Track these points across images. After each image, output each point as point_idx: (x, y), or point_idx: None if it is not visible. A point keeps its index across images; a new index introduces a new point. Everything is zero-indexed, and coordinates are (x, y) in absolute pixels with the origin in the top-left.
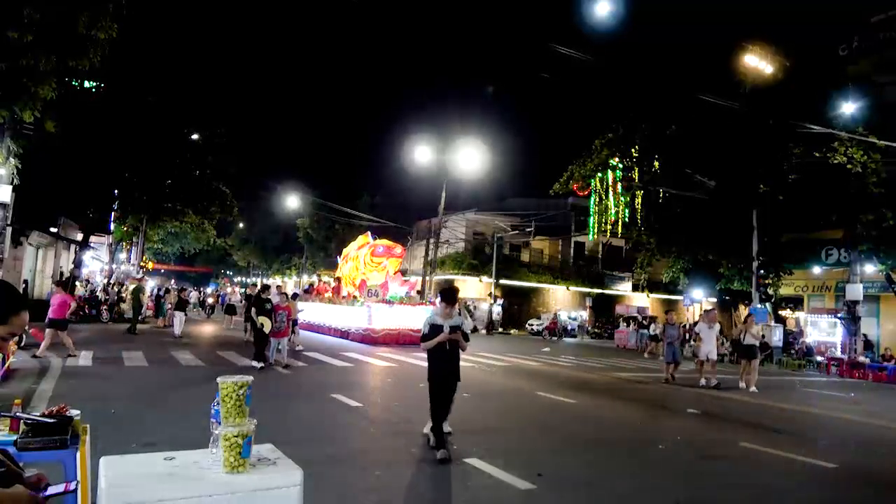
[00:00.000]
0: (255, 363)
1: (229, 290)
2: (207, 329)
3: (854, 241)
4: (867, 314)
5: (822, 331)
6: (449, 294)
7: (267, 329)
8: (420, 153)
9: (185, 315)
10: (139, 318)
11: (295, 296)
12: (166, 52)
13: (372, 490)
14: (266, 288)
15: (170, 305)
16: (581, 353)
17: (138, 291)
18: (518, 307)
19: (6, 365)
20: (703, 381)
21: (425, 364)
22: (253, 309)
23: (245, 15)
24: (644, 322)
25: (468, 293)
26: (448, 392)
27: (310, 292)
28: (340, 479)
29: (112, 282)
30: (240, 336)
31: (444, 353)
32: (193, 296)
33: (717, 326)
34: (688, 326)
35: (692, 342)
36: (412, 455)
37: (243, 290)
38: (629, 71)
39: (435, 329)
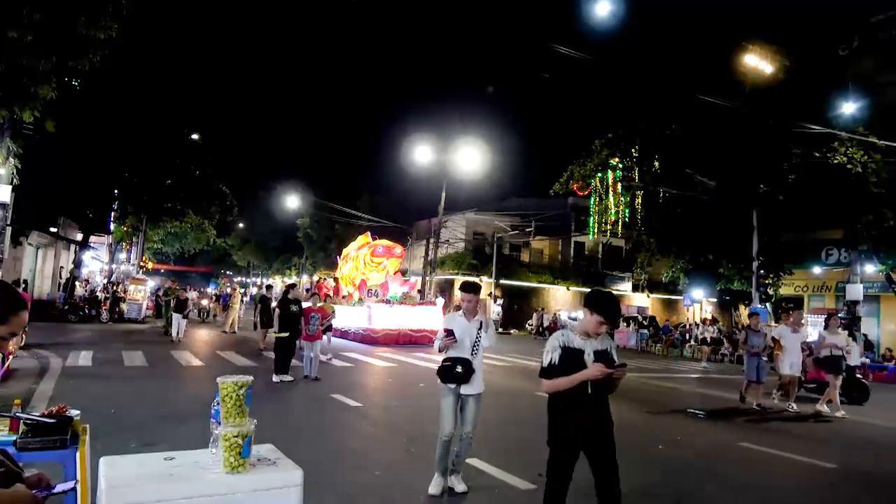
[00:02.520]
0: (277, 378)
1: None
2: (204, 332)
3: (854, 241)
4: (867, 314)
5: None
6: (606, 303)
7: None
8: (420, 153)
9: (184, 318)
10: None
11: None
12: (167, 51)
13: (372, 490)
14: (292, 286)
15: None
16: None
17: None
18: (518, 307)
19: (6, 365)
20: (792, 406)
21: (425, 364)
22: (276, 311)
23: (245, 14)
24: (644, 322)
25: None
26: (605, 467)
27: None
28: (340, 479)
29: (113, 281)
30: (236, 336)
31: (583, 398)
32: (194, 296)
33: (803, 331)
34: (687, 327)
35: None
36: (412, 455)
37: (242, 289)
38: (629, 71)
39: (570, 355)
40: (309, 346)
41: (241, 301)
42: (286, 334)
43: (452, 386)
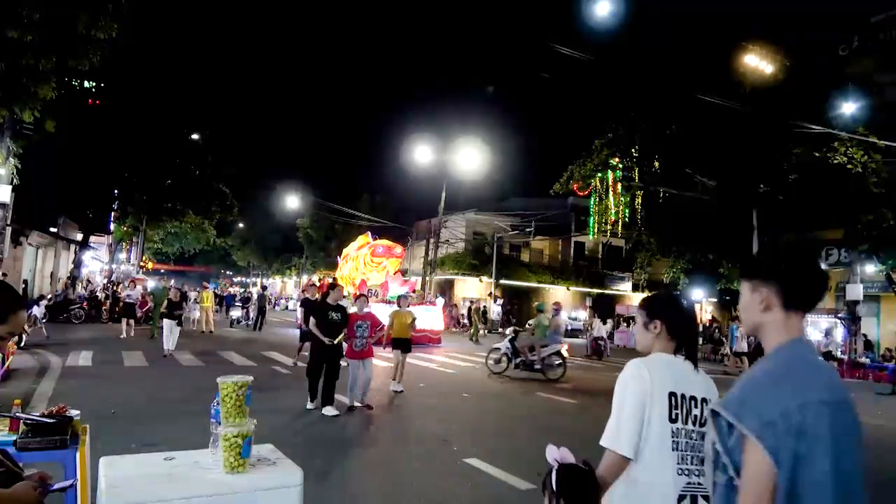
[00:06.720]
0: (312, 405)
1: (130, 282)
2: (189, 335)
3: (854, 241)
4: (867, 314)
5: (821, 331)
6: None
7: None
8: (420, 153)
9: (178, 324)
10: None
11: (400, 297)
12: (167, 51)
13: (373, 490)
14: (332, 287)
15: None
16: (581, 352)
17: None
18: (518, 307)
19: (6, 365)
20: None
21: (425, 364)
22: (312, 320)
23: (246, 14)
24: None
25: (468, 293)
26: None
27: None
28: (341, 479)
29: (114, 281)
30: (237, 337)
31: None
32: (193, 296)
33: None
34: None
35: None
36: (412, 455)
37: (243, 289)
38: (629, 70)
39: None
40: (355, 364)
41: (223, 301)
42: (335, 340)
43: None
